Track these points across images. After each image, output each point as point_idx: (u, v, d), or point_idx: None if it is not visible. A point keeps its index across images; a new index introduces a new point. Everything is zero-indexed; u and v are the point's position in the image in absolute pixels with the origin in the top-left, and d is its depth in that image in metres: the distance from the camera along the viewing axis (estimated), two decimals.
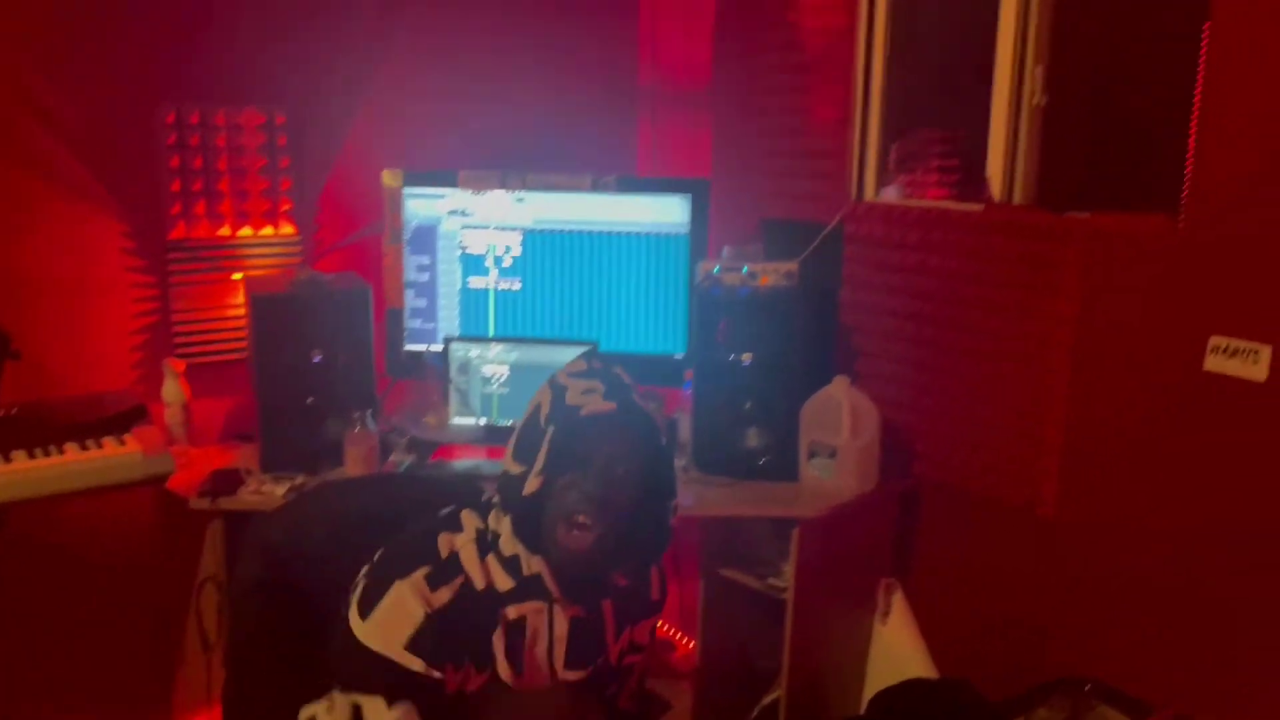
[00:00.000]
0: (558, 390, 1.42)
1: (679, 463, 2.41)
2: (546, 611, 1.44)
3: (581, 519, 1.37)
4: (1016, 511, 2.20)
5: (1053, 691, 2.04)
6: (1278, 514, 1.80)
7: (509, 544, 1.42)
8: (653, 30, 3.05)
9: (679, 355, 2.63)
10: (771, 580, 2.33)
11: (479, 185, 2.62)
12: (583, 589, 1.47)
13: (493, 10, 2.84)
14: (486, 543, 1.43)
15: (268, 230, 2.59)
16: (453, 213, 2.63)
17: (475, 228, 2.63)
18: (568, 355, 2.45)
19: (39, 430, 2.11)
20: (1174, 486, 1.94)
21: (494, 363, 2.54)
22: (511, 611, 1.42)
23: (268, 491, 2.20)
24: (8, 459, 2.01)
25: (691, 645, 3.09)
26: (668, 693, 2.90)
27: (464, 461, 2.39)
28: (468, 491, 1.60)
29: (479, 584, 1.40)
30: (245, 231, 2.56)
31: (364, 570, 1.43)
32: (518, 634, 1.42)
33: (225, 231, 2.54)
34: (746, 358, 2.32)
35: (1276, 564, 1.81)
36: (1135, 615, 2.04)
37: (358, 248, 2.73)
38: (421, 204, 2.62)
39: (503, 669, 1.42)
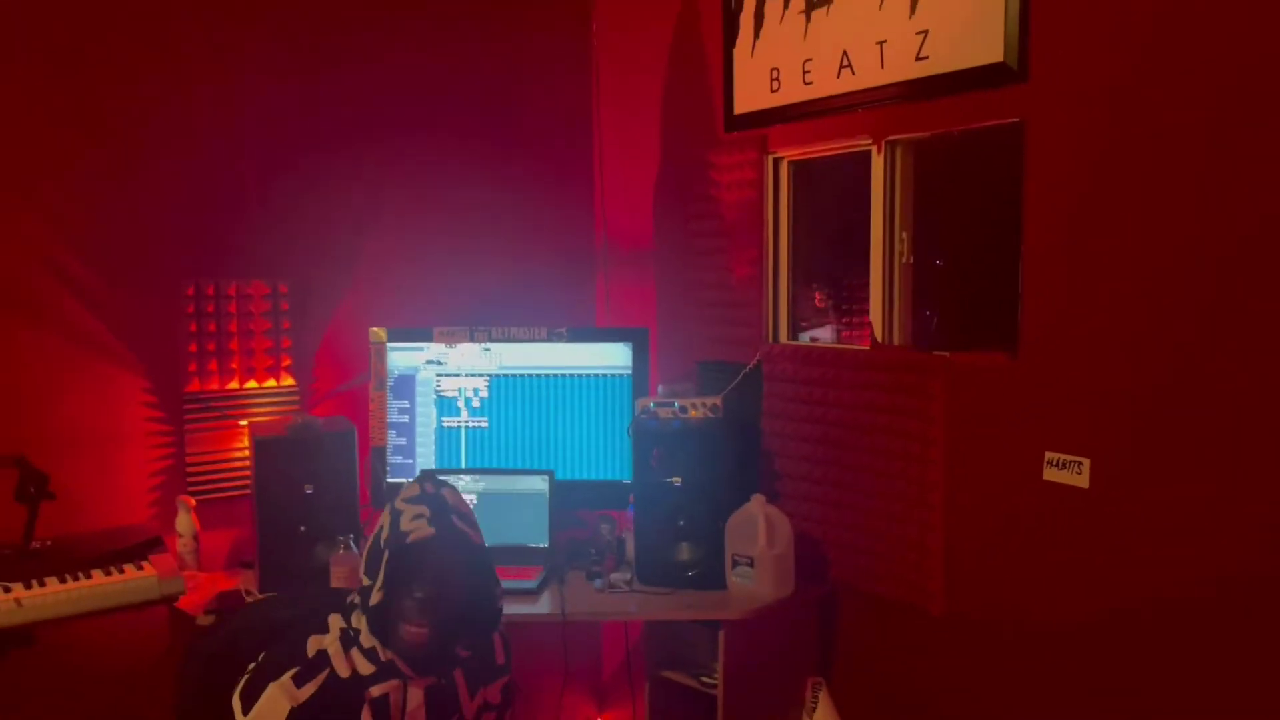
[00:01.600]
0: (394, 516, 1.77)
1: (624, 577, 2.74)
2: (402, 687, 1.78)
3: (416, 621, 1.74)
4: (912, 609, 2.52)
5: None
6: (1111, 599, 2.12)
7: (367, 638, 1.77)
8: (605, 201, 3.54)
9: (626, 480, 3.00)
10: (705, 679, 2.63)
11: (451, 339, 3.04)
12: (431, 665, 1.80)
13: (464, 189, 3.32)
14: (350, 638, 1.78)
15: (271, 382, 3.00)
16: (429, 362, 3.05)
17: (448, 375, 3.05)
18: (528, 482, 2.88)
19: (69, 560, 2.47)
20: (1031, 581, 2.27)
21: (465, 491, 2.89)
22: (375, 690, 1.76)
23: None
24: (42, 584, 2.37)
25: None
26: None
27: None
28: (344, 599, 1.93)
29: (344, 673, 1.74)
30: (251, 384, 2.98)
31: (248, 669, 1.77)
32: (383, 706, 1.76)
33: (234, 385, 2.95)
34: (677, 481, 2.68)
35: (1119, 641, 2.12)
36: (1017, 694, 2.33)
37: (348, 395, 3.14)
38: (402, 356, 3.04)
39: None
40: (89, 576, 2.42)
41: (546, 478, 2.88)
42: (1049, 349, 2.21)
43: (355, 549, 2.63)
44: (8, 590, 2.31)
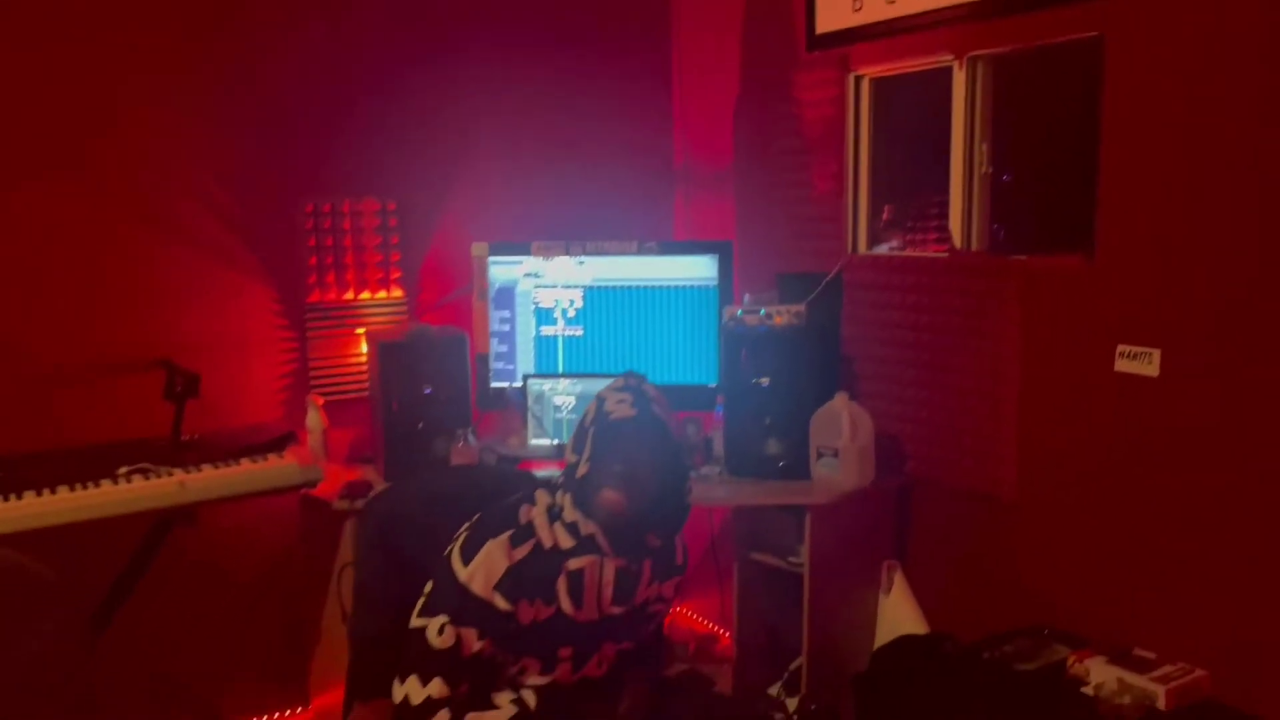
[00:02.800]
0: (600, 401, 1.95)
1: (714, 470, 2.98)
2: (599, 563, 1.93)
3: (615, 489, 1.88)
4: (984, 498, 2.73)
5: (1017, 635, 2.55)
6: (1176, 480, 2.32)
7: (570, 513, 1.92)
8: (684, 123, 3.71)
9: (711, 385, 3.22)
10: (791, 559, 2.87)
11: (548, 253, 3.25)
12: (626, 546, 1.95)
13: (554, 111, 3.51)
14: (554, 513, 1.94)
15: (382, 294, 3.25)
16: (527, 275, 3.26)
17: (546, 287, 3.26)
18: None
19: (219, 450, 2.75)
20: (1100, 467, 2.46)
21: (562, 394, 3.14)
22: (573, 564, 1.91)
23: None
24: (199, 470, 2.64)
25: (729, 636, 3.61)
26: (714, 674, 3.42)
27: (541, 472, 2.96)
28: (522, 481, 2.16)
29: (547, 544, 1.90)
30: (365, 295, 3.22)
31: (464, 527, 1.96)
32: (577, 580, 1.92)
33: (350, 296, 3.20)
34: (765, 381, 2.90)
35: (1183, 519, 2.32)
36: (1084, 576, 2.54)
37: (452, 306, 3.37)
38: (502, 269, 3.26)
39: (565, 605, 1.91)
40: (238, 464, 2.69)
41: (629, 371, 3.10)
42: (1123, 250, 2.38)
43: (472, 441, 2.89)
44: (171, 474, 2.58)
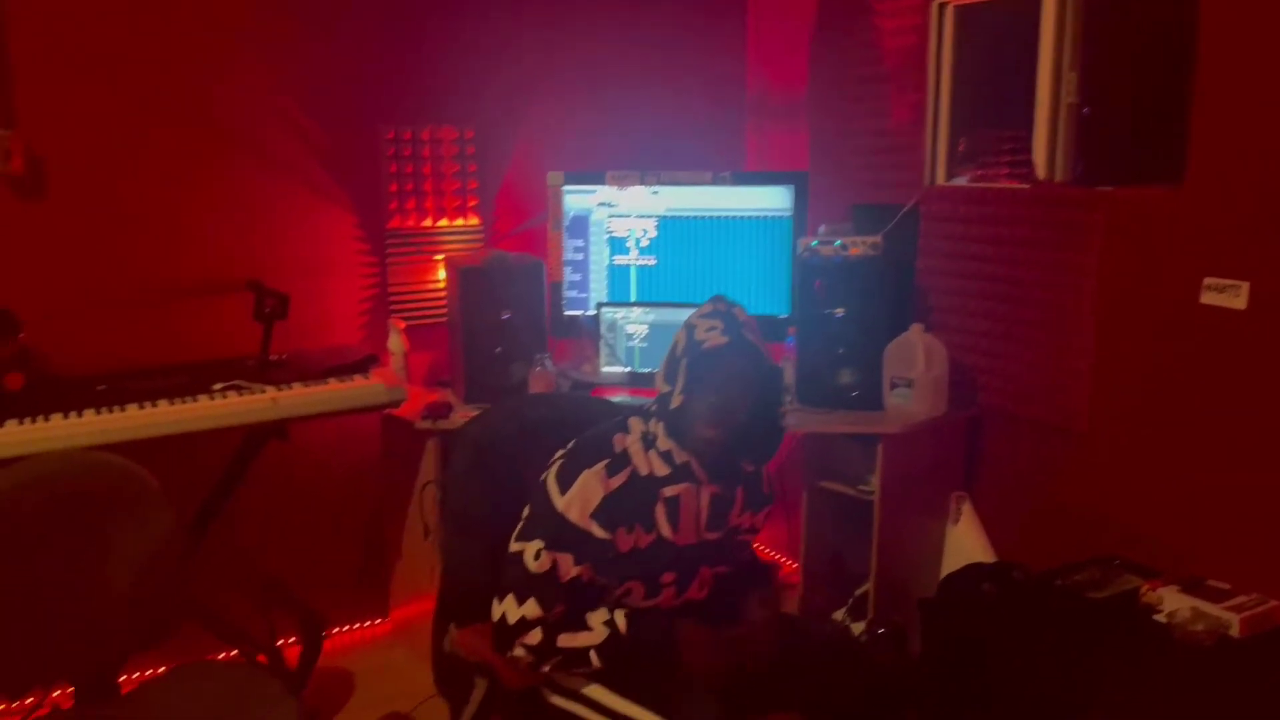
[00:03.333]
0: (690, 330, 1.90)
1: (786, 399, 3.01)
2: (695, 490, 1.93)
3: (711, 423, 1.86)
4: (1056, 430, 2.74)
5: (1087, 565, 2.58)
6: (1261, 412, 2.31)
7: (664, 442, 1.91)
8: (758, 53, 3.69)
9: (783, 315, 3.24)
10: (861, 487, 2.91)
11: (622, 182, 3.27)
12: (721, 473, 1.95)
13: (630, 44, 3.51)
14: (648, 440, 1.92)
15: (459, 221, 3.30)
16: (601, 204, 3.29)
17: (619, 216, 3.29)
18: None
19: (307, 369, 2.84)
20: (1181, 399, 2.46)
21: (635, 323, 3.18)
22: (668, 491, 1.90)
23: (471, 417, 2.88)
24: (290, 387, 2.74)
25: (792, 563, 3.68)
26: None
27: (616, 398, 3.03)
28: (608, 410, 2.17)
29: (643, 471, 1.89)
30: (443, 222, 3.28)
31: (558, 455, 1.97)
32: (674, 506, 1.91)
33: (428, 222, 3.25)
34: (839, 311, 2.92)
35: (1261, 453, 2.32)
36: (1154, 507, 2.56)
37: (527, 234, 3.42)
38: (577, 198, 3.29)
39: (665, 530, 1.91)
40: (325, 383, 2.78)
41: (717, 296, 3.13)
42: (1214, 179, 2.35)
43: (549, 367, 2.95)
44: (264, 391, 2.68)
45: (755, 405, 1.88)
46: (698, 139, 3.62)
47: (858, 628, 3.00)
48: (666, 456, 1.91)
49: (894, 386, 2.86)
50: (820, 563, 3.13)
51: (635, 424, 1.95)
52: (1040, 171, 2.75)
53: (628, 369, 3.16)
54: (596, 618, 1.89)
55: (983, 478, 3.02)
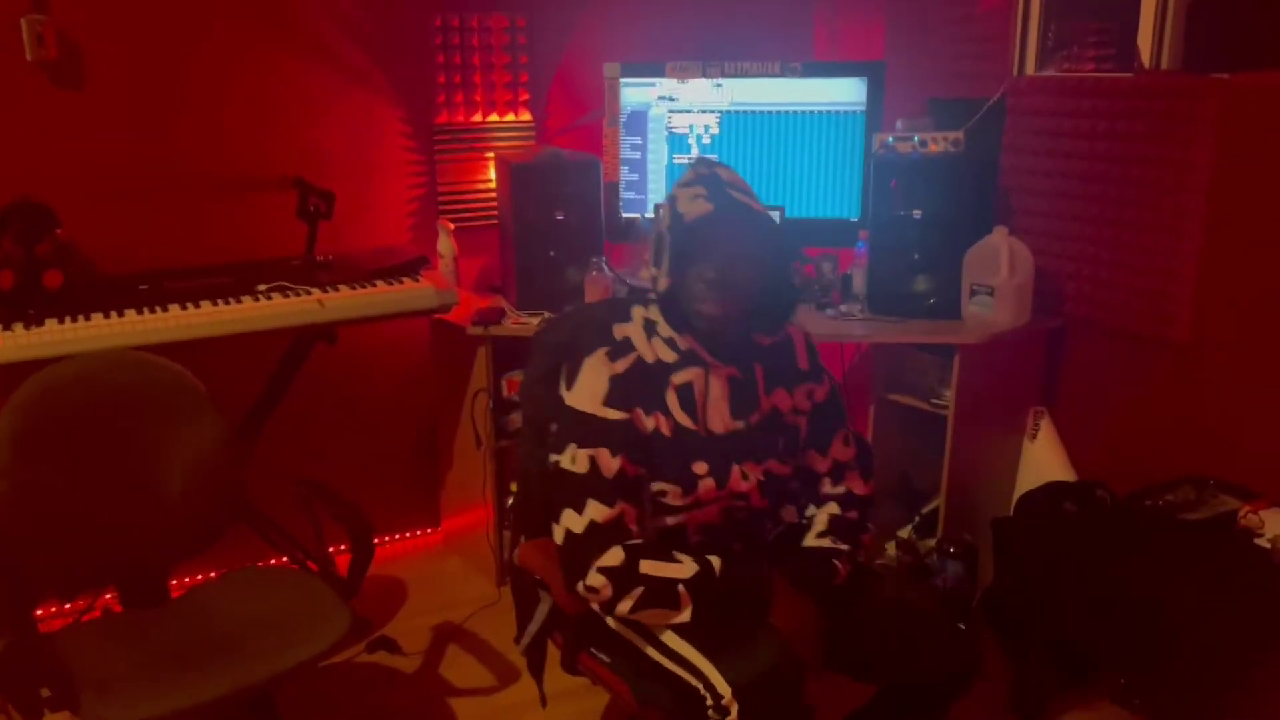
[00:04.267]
0: (671, 201, 1.73)
1: (854, 308, 2.85)
2: (704, 375, 1.77)
3: (709, 300, 1.69)
4: (1151, 341, 2.55)
5: (1180, 484, 2.42)
6: None
7: (664, 328, 1.77)
8: None
9: (854, 219, 3.05)
10: (934, 401, 2.75)
11: (683, 74, 3.07)
12: (733, 352, 1.78)
13: None
14: (650, 328, 1.78)
15: (510, 116, 3.13)
16: (661, 99, 3.09)
17: (680, 111, 3.09)
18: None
19: (354, 271, 2.72)
20: None
21: None
22: (677, 378, 1.76)
23: (524, 323, 2.76)
24: (336, 290, 2.62)
25: None
26: None
27: None
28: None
29: (649, 358, 1.75)
30: (493, 117, 3.11)
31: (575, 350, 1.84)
32: (687, 393, 1.76)
33: (478, 118, 3.09)
34: (918, 214, 2.72)
35: None
36: (1253, 425, 2.37)
37: (581, 131, 3.24)
38: (635, 92, 3.10)
39: (682, 419, 1.75)
40: (374, 285, 2.66)
41: (778, 214, 2.95)
42: None
43: (606, 271, 2.81)
44: (310, 293, 2.57)
45: (754, 271, 1.71)
46: (764, 26, 3.38)
47: (925, 545, 2.89)
48: (670, 343, 1.77)
49: (974, 294, 2.68)
50: (887, 479, 3.00)
51: (637, 311, 1.81)
52: (1145, 58, 2.50)
53: None
54: (687, 555, 1.71)
55: (1064, 393, 2.85)
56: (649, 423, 1.74)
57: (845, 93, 2.99)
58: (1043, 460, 2.81)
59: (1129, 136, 2.52)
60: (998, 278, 2.62)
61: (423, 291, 2.69)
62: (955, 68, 2.99)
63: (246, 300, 2.51)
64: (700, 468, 1.76)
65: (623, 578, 1.67)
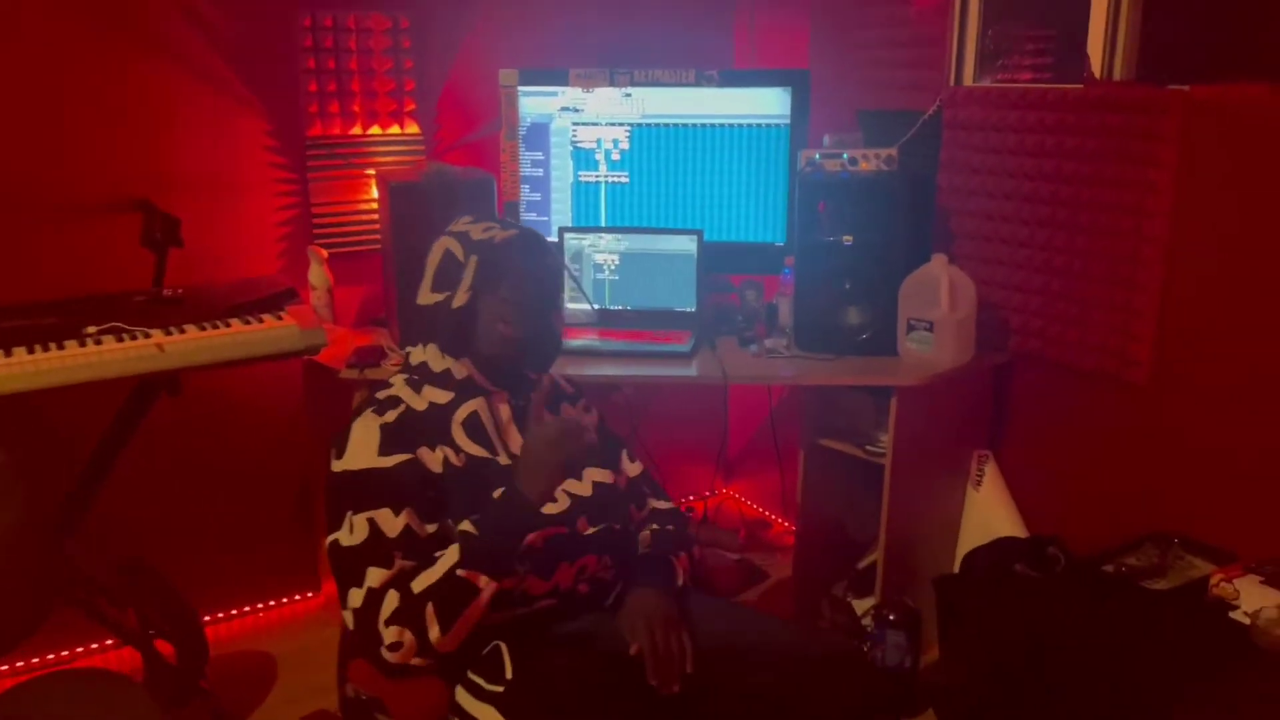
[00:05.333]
0: (460, 235, 1.71)
1: (780, 343, 2.56)
2: (486, 404, 1.69)
3: (507, 319, 1.67)
4: (1108, 379, 2.30)
5: (1142, 543, 2.17)
6: None
7: (438, 362, 1.70)
8: None
9: (779, 243, 2.76)
10: (870, 448, 2.47)
11: (589, 83, 2.75)
12: (509, 381, 1.73)
13: None
14: (415, 381, 1.69)
15: (395, 128, 2.77)
16: (564, 109, 2.78)
17: (586, 124, 2.78)
18: (675, 243, 2.66)
19: (206, 308, 2.35)
20: (1271, 347, 2.02)
21: (605, 251, 2.70)
22: (459, 414, 1.66)
23: None
24: (182, 331, 2.25)
25: (786, 524, 3.28)
26: (766, 564, 3.10)
27: (578, 341, 2.56)
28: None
29: (420, 406, 1.65)
30: (375, 129, 2.75)
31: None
32: (475, 423, 1.67)
33: (357, 130, 2.73)
34: (848, 239, 2.44)
35: None
36: (1224, 477, 2.13)
37: (476, 145, 2.91)
38: (535, 102, 2.77)
39: (474, 449, 1.63)
40: (228, 324, 2.29)
41: (695, 238, 2.65)
42: None
43: None
44: (148, 335, 2.19)
45: (549, 297, 1.76)
46: (678, 31, 3.07)
47: (861, 607, 2.60)
48: (443, 379, 1.70)
49: (911, 329, 2.40)
50: (818, 530, 2.71)
51: (396, 378, 1.74)
52: (1096, 67, 2.26)
53: (596, 306, 2.69)
54: (447, 551, 1.54)
55: (1010, 436, 2.59)
56: (435, 458, 1.61)
57: (767, 104, 2.71)
58: (988, 510, 2.55)
59: (1081, 154, 2.27)
60: (937, 311, 2.35)
61: (285, 331, 2.32)
62: (886, 76, 2.73)
63: (71, 345, 2.12)
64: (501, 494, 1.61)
65: (408, 611, 1.50)
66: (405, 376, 1.72)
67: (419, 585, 1.50)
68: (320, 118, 2.68)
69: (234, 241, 2.64)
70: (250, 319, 2.33)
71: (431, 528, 1.56)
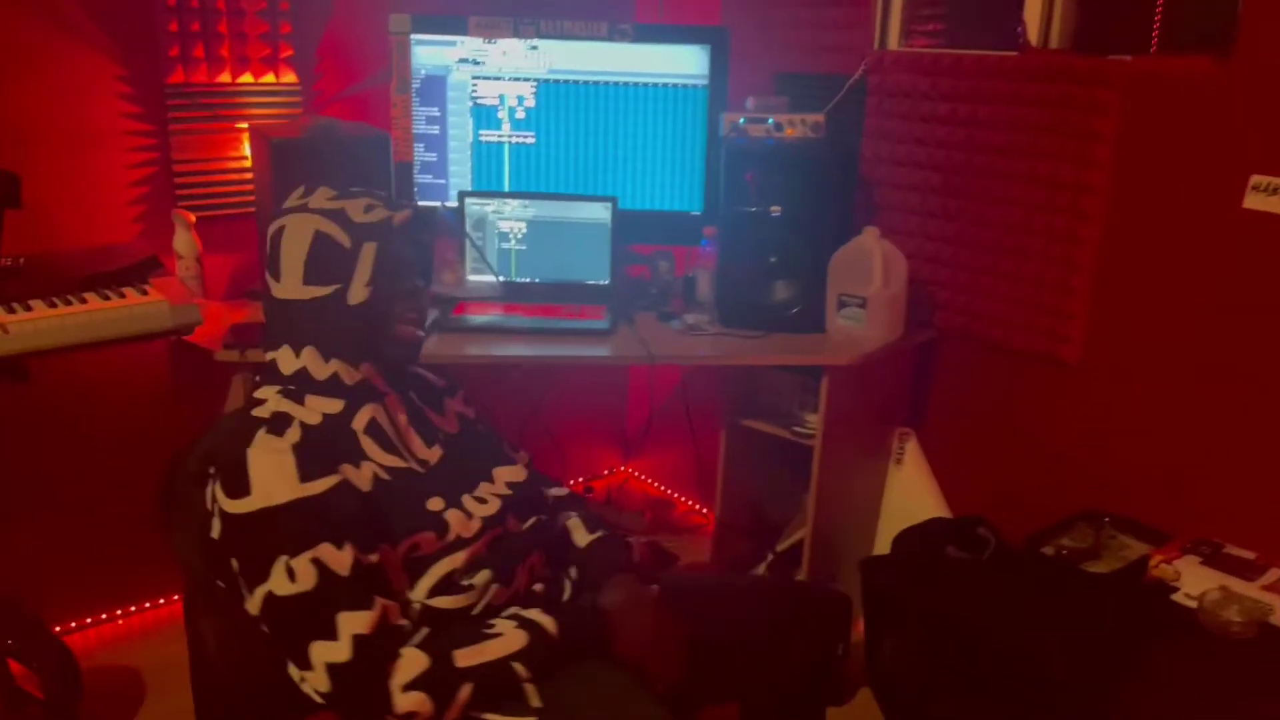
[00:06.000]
0: (334, 215, 1.43)
1: (701, 319, 2.42)
2: (380, 408, 1.48)
3: (411, 315, 1.49)
4: (1038, 358, 2.26)
5: (1074, 524, 2.15)
6: None
7: (320, 369, 1.44)
8: None
9: (695, 212, 2.61)
10: (797, 429, 2.37)
11: (490, 32, 2.51)
12: (394, 379, 1.53)
13: None
14: (294, 391, 1.43)
15: (269, 77, 2.47)
16: (463, 61, 2.53)
17: (487, 78, 2.54)
18: (588, 210, 2.47)
19: (55, 280, 2.02)
20: (1207, 325, 2.01)
21: (511, 219, 2.49)
22: (357, 423, 1.44)
23: None
24: (28, 308, 1.92)
25: (693, 504, 3.17)
26: (674, 546, 2.97)
27: (483, 317, 2.35)
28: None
29: (313, 420, 1.40)
30: (246, 78, 2.44)
31: (211, 472, 1.38)
32: (377, 431, 1.45)
33: (225, 78, 2.41)
34: (776, 210, 2.31)
35: None
36: (1155, 456, 2.13)
37: (360, 98, 2.62)
38: (430, 52, 2.51)
39: (389, 459, 1.43)
40: (83, 300, 1.98)
41: (609, 205, 2.47)
42: (1275, 50, 1.84)
43: None
44: None
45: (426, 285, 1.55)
46: None
47: None
48: (330, 386, 1.44)
49: (843, 305, 2.30)
50: (739, 512, 2.60)
51: (265, 390, 1.45)
52: (1032, 34, 2.19)
53: (501, 278, 2.48)
54: (504, 622, 1.39)
55: (933, 414, 2.54)
56: (363, 475, 1.39)
57: (684, 63, 2.53)
58: (910, 489, 2.50)
59: (1015, 125, 2.20)
60: (870, 287, 2.25)
61: (152, 307, 2.02)
62: (807, 38, 2.60)
63: None
64: (436, 504, 1.45)
65: (440, 683, 1.30)
66: (277, 388, 1.44)
67: (465, 660, 1.32)
68: (182, 62, 2.34)
69: (83, 203, 2.29)
70: (109, 294, 2.03)
71: (373, 557, 1.34)
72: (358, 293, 1.42)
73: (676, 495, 3.26)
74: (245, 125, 2.44)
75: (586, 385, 3.15)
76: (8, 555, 2.25)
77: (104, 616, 2.51)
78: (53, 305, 1.95)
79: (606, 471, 3.38)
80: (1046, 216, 2.18)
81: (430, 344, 2.19)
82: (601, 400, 3.26)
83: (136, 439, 2.38)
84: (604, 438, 3.32)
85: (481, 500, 1.51)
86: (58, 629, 2.39)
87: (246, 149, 2.46)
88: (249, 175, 2.47)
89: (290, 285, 1.43)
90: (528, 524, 1.57)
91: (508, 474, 1.59)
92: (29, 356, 1.91)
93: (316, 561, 1.28)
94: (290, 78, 2.50)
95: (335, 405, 1.43)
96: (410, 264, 1.49)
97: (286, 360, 1.45)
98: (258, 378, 1.48)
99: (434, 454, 1.52)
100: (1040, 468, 2.33)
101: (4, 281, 1.99)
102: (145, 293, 2.05)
